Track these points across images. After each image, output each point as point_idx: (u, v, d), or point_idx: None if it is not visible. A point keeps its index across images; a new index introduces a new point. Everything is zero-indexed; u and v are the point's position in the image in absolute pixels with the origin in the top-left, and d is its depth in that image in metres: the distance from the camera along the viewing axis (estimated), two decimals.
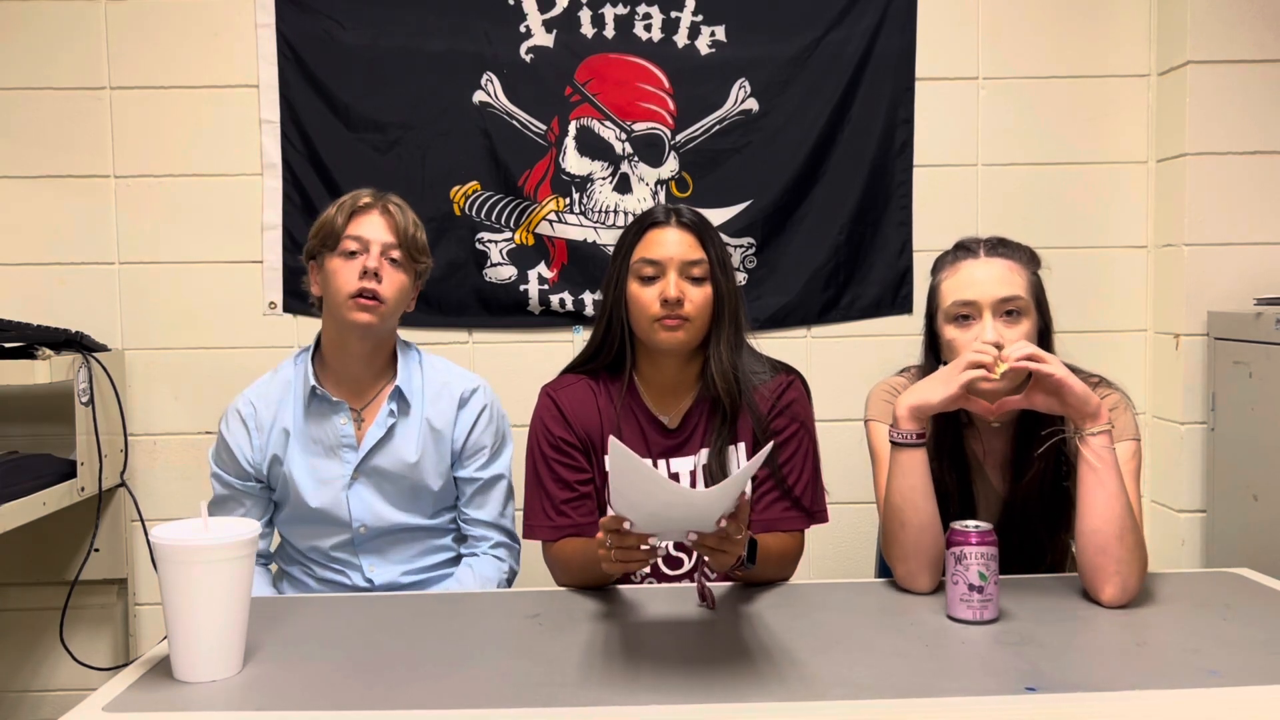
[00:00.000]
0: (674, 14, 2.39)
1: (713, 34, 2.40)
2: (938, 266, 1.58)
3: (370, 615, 1.44)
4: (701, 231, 1.57)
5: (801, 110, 2.40)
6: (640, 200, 2.40)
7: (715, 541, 1.26)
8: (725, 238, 2.35)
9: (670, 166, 2.41)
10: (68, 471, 2.16)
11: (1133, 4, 2.41)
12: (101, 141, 2.38)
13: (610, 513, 1.27)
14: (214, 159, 2.39)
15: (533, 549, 1.63)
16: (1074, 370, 1.42)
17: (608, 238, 2.39)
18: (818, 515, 1.59)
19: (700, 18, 2.39)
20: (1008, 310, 1.48)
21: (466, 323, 2.42)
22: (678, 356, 1.58)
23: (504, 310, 2.43)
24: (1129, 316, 2.46)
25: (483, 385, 1.79)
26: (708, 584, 1.46)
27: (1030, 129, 2.42)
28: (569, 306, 2.42)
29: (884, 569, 1.72)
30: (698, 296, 1.54)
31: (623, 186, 2.41)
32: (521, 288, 2.42)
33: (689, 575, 1.61)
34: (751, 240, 2.42)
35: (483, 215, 2.41)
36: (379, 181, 2.32)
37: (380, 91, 2.38)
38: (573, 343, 2.41)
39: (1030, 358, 1.39)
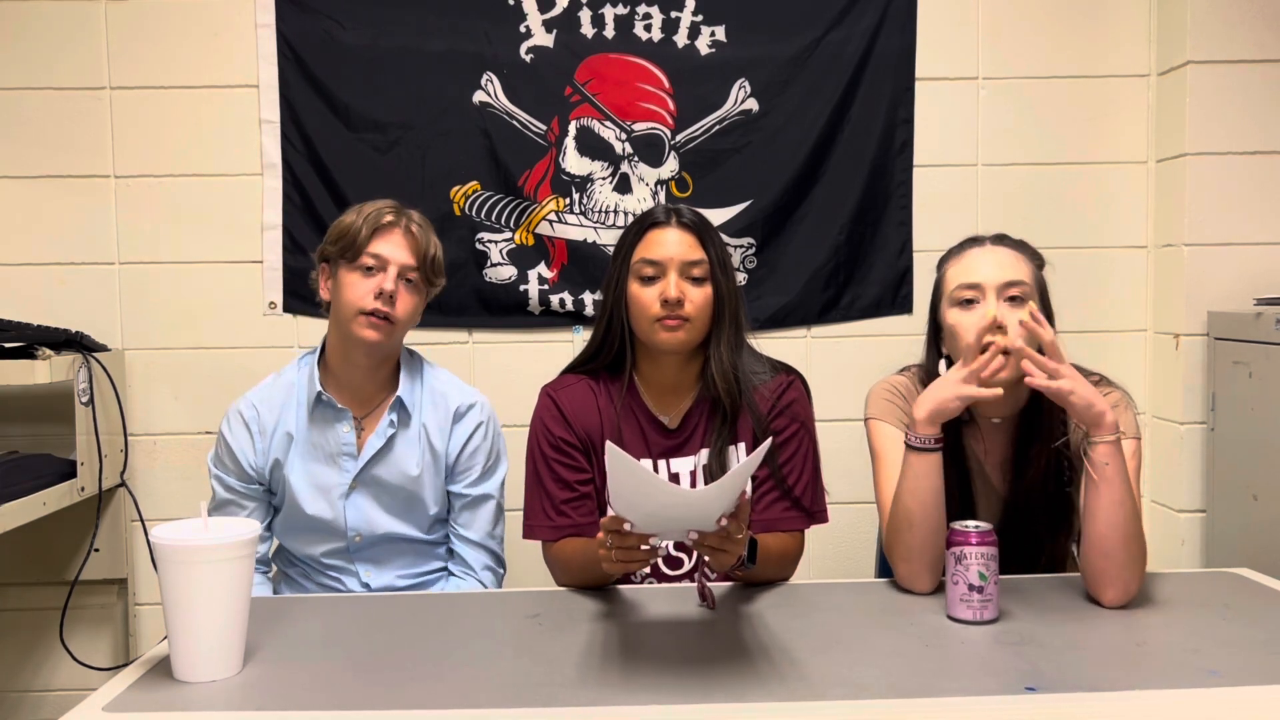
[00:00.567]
0: (674, 14, 2.39)
1: (713, 34, 2.40)
2: (943, 259, 1.59)
3: (370, 616, 1.43)
4: (702, 232, 1.57)
5: (801, 110, 2.40)
6: (640, 200, 2.40)
7: (716, 541, 1.26)
8: (725, 238, 2.35)
9: (670, 166, 2.41)
10: (68, 471, 2.16)
11: (1133, 4, 2.41)
12: (101, 141, 2.38)
13: (610, 513, 1.27)
14: (214, 159, 2.39)
15: (533, 549, 1.63)
16: (1075, 369, 1.42)
17: (608, 238, 2.39)
18: (818, 515, 1.59)
19: (700, 18, 2.39)
20: (1011, 295, 1.48)
21: (466, 323, 2.42)
22: (678, 356, 1.58)
23: (504, 310, 2.43)
24: (1129, 316, 2.46)
25: (481, 402, 1.78)
26: (708, 584, 1.46)
27: (1030, 129, 2.42)
28: (569, 306, 2.42)
29: (884, 569, 1.72)
30: (698, 297, 1.54)
31: (623, 186, 2.41)
32: (521, 288, 2.42)
33: (689, 575, 1.61)
34: (751, 240, 2.42)
35: (483, 215, 2.41)
36: (379, 181, 2.35)
37: (380, 91, 2.38)
38: (573, 343, 2.41)
39: (1038, 366, 1.37)
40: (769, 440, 1.23)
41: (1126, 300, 2.45)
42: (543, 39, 2.39)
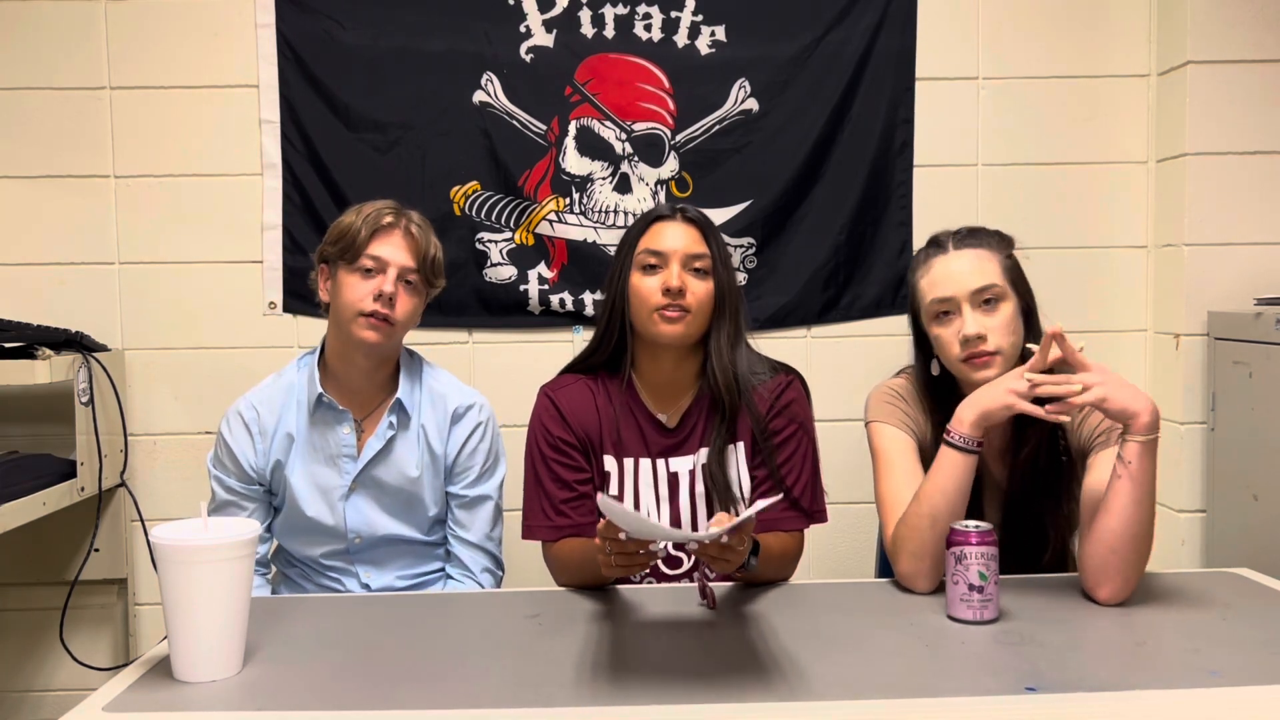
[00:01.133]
0: (674, 14, 2.39)
1: (713, 34, 2.40)
2: (913, 266, 1.61)
3: (370, 616, 1.44)
4: (705, 228, 1.59)
5: (801, 110, 2.40)
6: (640, 200, 2.40)
7: (717, 550, 1.27)
8: (725, 237, 2.34)
9: (670, 166, 2.41)
10: (68, 471, 2.16)
11: (1133, 4, 2.41)
12: (101, 141, 2.38)
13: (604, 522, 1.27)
14: (214, 159, 2.39)
15: (531, 549, 1.63)
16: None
17: (608, 238, 2.39)
18: (817, 515, 1.60)
19: (700, 18, 2.39)
20: (985, 299, 1.50)
21: (466, 323, 2.42)
22: (676, 352, 1.59)
23: (504, 310, 2.43)
24: (1129, 316, 2.46)
25: (480, 403, 1.77)
26: (709, 583, 1.46)
27: (1030, 129, 2.42)
28: (569, 306, 2.42)
29: (884, 569, 1.72)
30: (700, 289, 1.55)
31: (623, 186, 2.41)
32: (521, 288, 2.42)
33: (688, 575, 1.61)
34: (751, 240, 2.42)
35: (483, 215, 2.41)
36: (379, 181, 2.35)
37: (380, 91, 2.38)
38: (572, 343, 2.41)
39: (1060, 391, 1.36)
40: (769, 500, 1.23)
41: (1126, 300, 2.45)
42: (543, 39, 2.39)
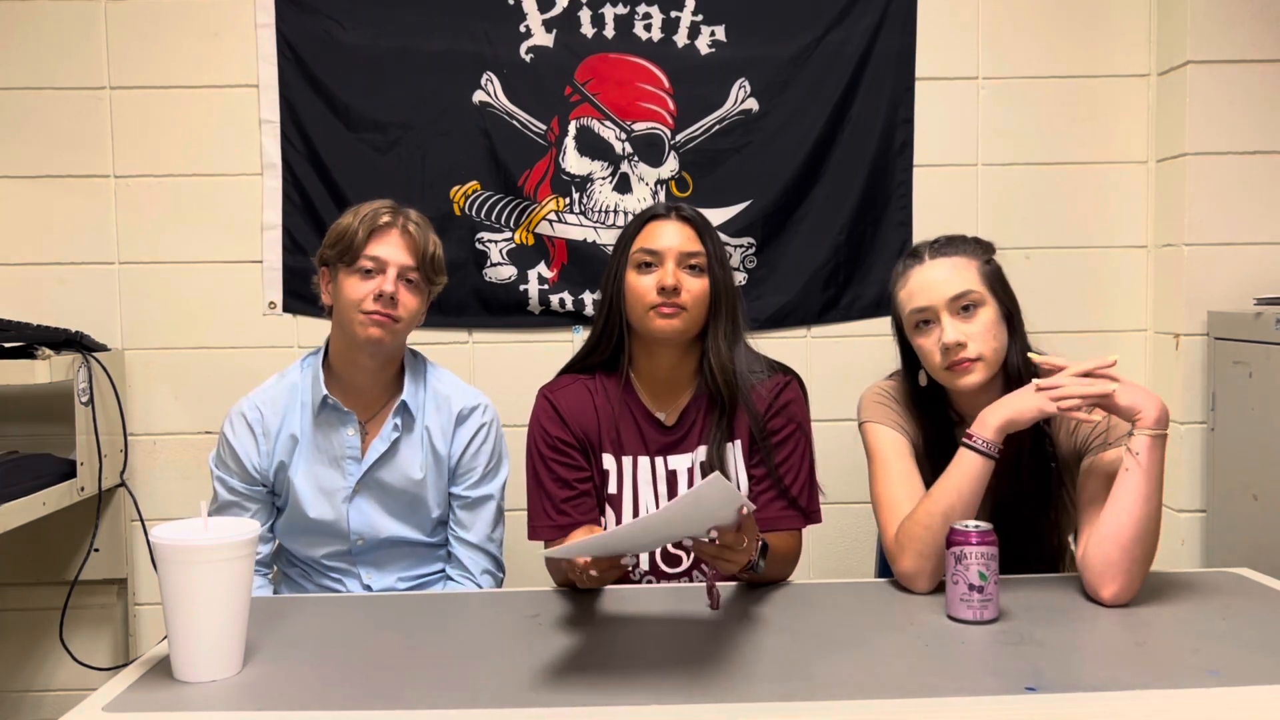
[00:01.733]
0: (674, 14, 2.39)
1: (713, 34, 2.40)
2: (893, 279, 1.61)
3: (370, 615, 1.44)
4: (700, 226, 1.60)
5: (801, 110, 2.40)
6: (640, 200, 2.40)
7: (714, 551, 1.27)
8: (725, 238, 2.35)
9: (670, 166, 2.41)
10: (68, 471, 2.16)
11: (1133, 4, 2.41)
12: (101, 141, 2.38)
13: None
14: (214, 159, 2.39)
15: (531, 549, 1.63)
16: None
17: (608, 238, 2.39)
18: (813, 515, 1.61)
19: (700, 17, 2.39)
20: (962, 306, 1.50)
21: (466, 323, 2.42)
22: (674, 349, 1.59)
23: (504, 310, 2.42)
24: (1129, 316, 2.46)
25: (484, 404, 1.77)
26: (716, 585, 1.45)
27: (1030, 129, 2.42)
28: (569, 306, 2.42)
29: (884, 569, 1.72)
30: (695, 287, 1.55)
31: (623, 186, 2.41)
32: (521, 287, 2.42)
33: (688, 574, 1.61)
34: (751, 240, 2.42)
35: (483, 215, 2.41)
36: (379, 181, 2.34)
37: (380, 91, 2.38)
38: (572, 343, 2.41)
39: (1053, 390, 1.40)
40: (716, 474, 1.18)
41: (1126, 300, 2.45)
42: (543, 39, 2.39)
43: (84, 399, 2.18)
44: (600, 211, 2.41)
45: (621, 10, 2.39)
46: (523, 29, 2.39)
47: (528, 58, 2.39)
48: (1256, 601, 1.43)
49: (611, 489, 1.60)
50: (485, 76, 2.39)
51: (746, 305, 1.69)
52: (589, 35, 2.39)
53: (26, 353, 2.05)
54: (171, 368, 2.41)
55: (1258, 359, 2.10)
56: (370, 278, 1.64)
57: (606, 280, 1.62)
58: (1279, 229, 2.30)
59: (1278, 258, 2.29)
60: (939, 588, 1.43)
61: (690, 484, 1.59)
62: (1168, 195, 2.37)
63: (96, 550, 2.29)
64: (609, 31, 2.39)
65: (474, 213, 2.41)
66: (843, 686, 1.13)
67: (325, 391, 1.69)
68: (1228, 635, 1.28)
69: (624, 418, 1.61)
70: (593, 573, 1.29)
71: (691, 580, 1.61)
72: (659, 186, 2.41)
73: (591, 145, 2.40)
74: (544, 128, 2.40)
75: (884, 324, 2.43)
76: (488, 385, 1.91)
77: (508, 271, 2.42)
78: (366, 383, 1.71)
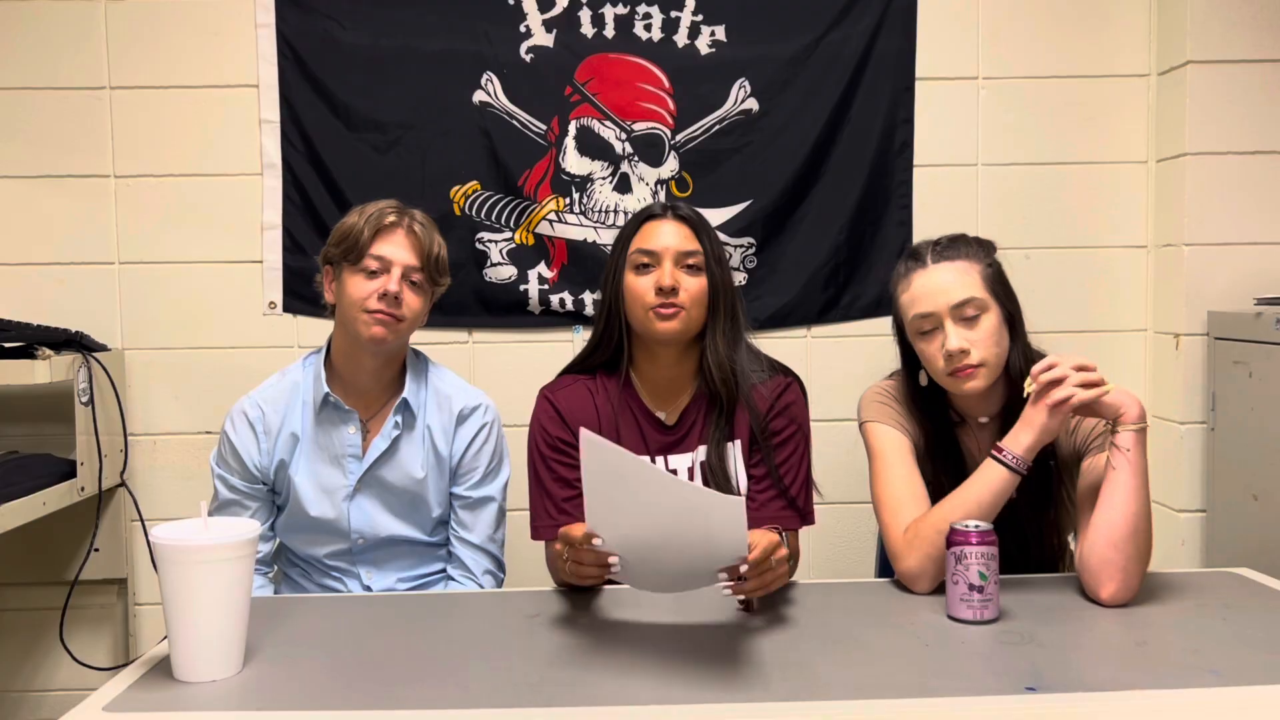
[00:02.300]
0: (674, 14, 2.39)
1: (713, 34, 2.40)
2: (894, 279, 1.60)
3: (370, 615, 1.44)
4: (697, 225, 1.60)
5: (801, 110, 2.40)
6: (640, 200, 2.40)
7: (755, 584, 1.27)
8: (725, 238, 2.35)
9: (670, 166, 2.41)
10: (68, 471, 2.16)
11: (1133, 4, 2.41)
12: (101, 141, 2.38)
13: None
14: (214, 159, 2.39)
15: (531, 550, 1.63)
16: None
17: (608, 238, 2.39)
18: (808, 516, 1.61)
19: (700, 17, 2.39)
20: (966, 315, 1.50)
21: (466, 323, 2.42)
22: (674, 349, 1.59)
23: (504, 310, 2.42)
24: (1129, 316, 2.46)
25: (486, 404, 1.77)
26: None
27: (1030, 129, 2.42)
28: (569, 306, 2.42)
29: (884, 569, 1.72)
30: (693, 286, 1.55)
31: (623, 186, 2.41)
32: (521, 287, 2.42)
33: None
34: (751, 240, 2.42)
35: (483, 215, 2.41)
36: (379, 181, 2.34)
37: (380, 91, 2.38)
38: (572, 343, 2.41)
39: (1055, 393, 1.40)
40: (740, 500, 1.16)
41: (1126, 300, 2.45)
42: (543, 39, 2.39)
43: (84, 399, 2.18)
44: (600, 211, 2.41)
45: (621, 10, 2.39)
46: (523, 29, 2.39)
47: (528, 58, 2.39)
48: (1257, 601, 1.43)
49: None
50: (485, 76, 2.39)
51: (746, 305, 1.69)
52: (589, 35, 2.39)
53: (27, 353, 2.05)
54: (171, 368, 2.41)
55: (1258, 359, 2.10)
56: (375, 277, 1.64)
57: (605, 282, 1.62)
58: (1279, 229, 2.30)
59: (1278, 258, 2.29)
60: (939, 588, 1.43)
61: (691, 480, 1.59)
62: (1168, 195, 2.37)
63: (96, 550, 2.29)
64: (609, 31, 2.39)
65: (474, 213, 2.41)
66: (843, 686, 1.13)
67: (327, 390, 1.69)
68: (1228, 635, 1.28)
69: (624, 417, 1.61)
70: (591, 564, 1.28)
71: None
72: (659, 186, 2.41)
73: (591, 145, 2.40)
74: (544, 128, 2.40)
75: (884, 324, 2.44)
76: (488, 385, 1.91)
77: (508, 271, 2.42)
78: (368, 381, 1.71)
